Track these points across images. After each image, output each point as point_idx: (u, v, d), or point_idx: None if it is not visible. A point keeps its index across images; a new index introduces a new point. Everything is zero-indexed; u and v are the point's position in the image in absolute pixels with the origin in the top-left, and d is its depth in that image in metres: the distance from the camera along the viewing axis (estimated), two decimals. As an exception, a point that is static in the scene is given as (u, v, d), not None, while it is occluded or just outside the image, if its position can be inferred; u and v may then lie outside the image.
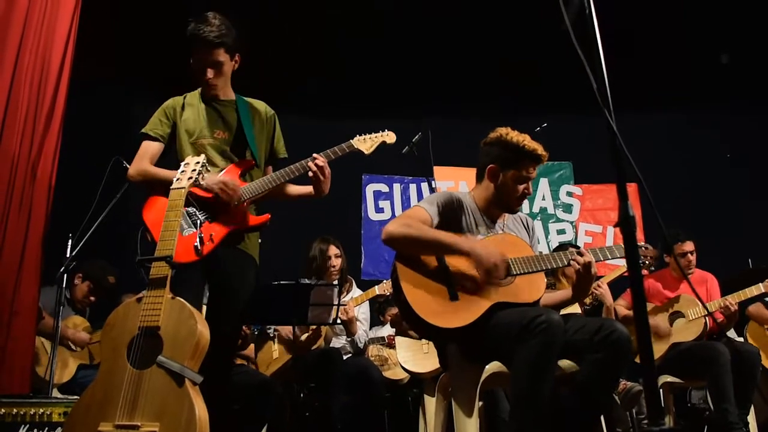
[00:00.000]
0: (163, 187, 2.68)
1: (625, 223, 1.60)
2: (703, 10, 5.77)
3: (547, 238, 6.72)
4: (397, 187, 6.68)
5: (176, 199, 2.41)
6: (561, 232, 6.76)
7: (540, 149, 2.78)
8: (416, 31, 5.91)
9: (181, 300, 2.22)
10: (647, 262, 2.91)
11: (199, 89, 3.01)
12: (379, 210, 6.54)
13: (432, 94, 6.25)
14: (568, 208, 6.86)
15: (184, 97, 3.01)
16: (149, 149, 2.89)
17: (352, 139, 3.08)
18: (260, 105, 3.09)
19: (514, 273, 2.62)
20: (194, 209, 2.71)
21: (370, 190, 6.62)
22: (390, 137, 3.17)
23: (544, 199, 6.85)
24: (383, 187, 6.65)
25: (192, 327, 2.16)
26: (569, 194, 6.91)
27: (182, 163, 2.55)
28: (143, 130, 2.93)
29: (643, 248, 2.94)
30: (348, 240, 6.08)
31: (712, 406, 4.12)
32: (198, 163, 2.52)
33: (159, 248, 2.32)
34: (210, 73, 2.88)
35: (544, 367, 2.37)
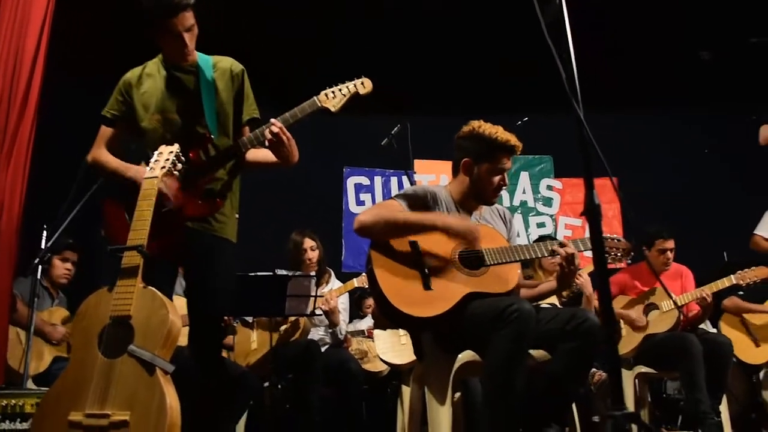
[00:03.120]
0: (114, 176, 2.63)
1: (590, 212, 1.62)
2: (686, 9, 5.82)
3: (527, 231, 6.77)
4: (378, 180, 6.69)
5: (149, 189, 2.39)
6: (541, 225, 6.81)
7: (513, 140, 2.80)
8: (397, 24, 5.91)
9: (153, 289, 2.21)
10: (619, 254, 2.94)
11: (160, 56, 2.80)
12: (360, 203, 6.55)
13: (413, 87, 6.26)
14: (548, 202, 6.91)
15: (143, 68, 2.82)
16: (105, 133, 2.78)
17: (317, 95, 2.69)
18: (226, 62, 2.83)
19: (488, 263, 2.64)
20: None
21: (351, 182, 6.63)
22: (365, 87, 2.73)
23: (524, 192, 6.90)
24: (364, 180, 6.66)
25: (163, 316, 2.15)
26: (549, 188, 6.96)
27: (155, 153, 2.53)
28: (102, 112, 2.80)
29: (615, 240, 2.97)
30: (329, 233, 6.10)
31: (685, 397, 4.19)
32: (171, 152, 2.50)
33: (131, 237, 2.30)
34: (188, 39, 2.66)
35: (516, 356, 2.40)
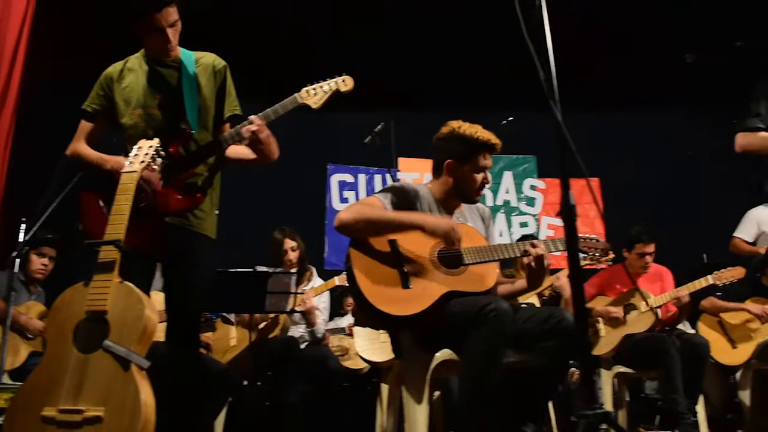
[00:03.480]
0: (94, 169, 2.63)
1: (565, 212, 1.63)
2: (671, 10, 5.87)
3: (509, 230, 6.80)
4: (362, 177, 6.69)
5: (127, 183, 2.38)
6: (524, 225, 6.84)
7: (493, 138, 2.82)
8: (383, 23, 5.91)
9: (129, 284, 2.20)
10: (597, 254, 2.96)
11: (142, 51, 2.79)
12: (343, 200, 6.55)
13: (398, 85, 6.26)
14: (531, 202, 6.95)
15: (125, 62, 2.81)
16: (85, 127, 2.79)
17: (298, 92, 2.71)
18: (208, 58, 2.83)
19: (467, 262, 2.65)
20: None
21: (335, 179, 6.62)
22: (346, 84, 2.75)
23: (507, 192, 6.92)
24: (348, 178, 6.66)
25: (140, 311, 2.14)
26: (533, 188, 6.99)
27: (135, 147, 2.51)
28: (82, 106, 2.79)
29: (594, 240, 2.99)
30: (312, 229, 6.10)
31: (662, 397, 4.24)
32: (151, 147, 2.49)
33: (108, 231, 2.29)
34: (171, 35, 2.66)
35: (493, 355, 2.41)
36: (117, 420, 2.00)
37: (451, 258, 2.66)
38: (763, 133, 3.02)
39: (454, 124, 2.85)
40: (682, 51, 6.51)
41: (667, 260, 5.69)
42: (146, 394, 2.05)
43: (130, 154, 2.48)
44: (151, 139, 2.55)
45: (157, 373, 2.20)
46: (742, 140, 3.07)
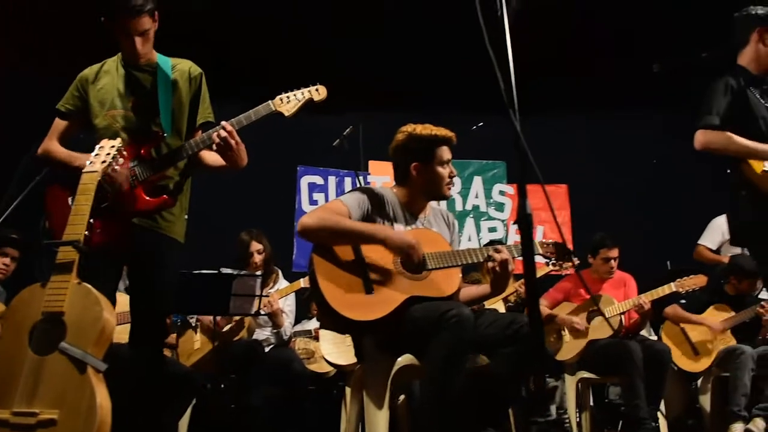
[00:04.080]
0: (63, 167, 2.62)
1: (522, 220, 1.65)
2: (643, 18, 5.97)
3: (478, 235, 6.83)
4: (332, 180, 6.67)
5: (88, 183, 2.35)
6: (492, 230, 6.89)
7: (445, 130, 2.86)
8: (357, 25, 5.91)
9: (88, 286, 2.17)
10: (559, 260, 3.00)
11: (120, 54, 2.82)
12: (313, 202, 6.52)
13: (370, 87, 6.27)
14: (500, 207, 6.99)
15: (102, 65, 2.84)
16: (58, 126, 2.80)
17: (272, 99, 2.74)
18: (185, 65, 2.87)
19: (430, 267, 2.66)
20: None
21: (304, 181, 6.59)
22: (320, 93, 2.80)
23: (477, 196, 6.96)
24: (318, 180, 6.64)
25: (97, 313, 2.12)
26: (502, 193, 7.03)
27: (96, 146, 2.49)
28: (57, 106, 2.81)
29: (556, 246, 3.02)
30: (280, 231, 6.06)
31: (625, 402, 4.30)
32: (113, 147, 2.47)
33: (67, 232, 2.26)
34: (140, 44, 2.69)
35: (455, 360, 2.43)
36: (71, 423, 1.98)
37: (414, 263, 2.67)
38: (727, 134, 3.03)
39: (408, 129, 2.88)
40: (651, 57, 6.62)
41: (634, 266, 5.77)
42: (102, 397, 2.03)
43: (91, 154, 2.46)
44: (123, 141, 2.57)
45: (118, 376, 2.19)
46: (703, 137, 3.07)
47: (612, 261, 4.78)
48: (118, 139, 2.53)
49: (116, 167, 2.48)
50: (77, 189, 2.36)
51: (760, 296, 4.96)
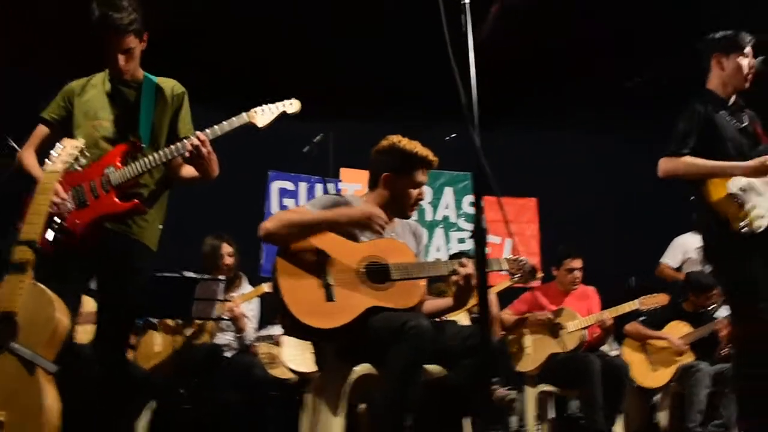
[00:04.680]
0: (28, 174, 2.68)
1: (476, 234, 1.67)
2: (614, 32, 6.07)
3: (447, 246, 6.85)
4: (303, 186, 6.64)
5: (47, 183, 2.34)
6: (461, 241, 6.91)
7: (431, 155, 2.86)
8: (329, 34, 5.93)
9: (42, 286, 2.16)
10: (523, 276, 3.02)
11: (107, 70, 2.90)
12: (283, 207, 6.43)
13: (343, 95, 6.28)
14: (470, 218, 7.02)
15: (90, 79, 2.92)
16: (38, 133, 2.86)
17: (246, 111, 2.83)
18: (168, 83, 2.96)
19: (394, 278, 2.67)
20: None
21: (275, 187, 6.55)
22: (293, 106, 2.90)
23: (447, 207, 6.98)
24: (289, 185, 6.60)
25: (50, 314, 2.10)
26: (472, 204, 7.05)
27: (57, 145, 2.48)
28: (41, 113, 2.87)
29: (521, 262, 3.05)
30: (248, 236, 5.98)
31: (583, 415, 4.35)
32: (75, 147, 2.46)
33: (24, 231, 2.25)
34: (122, 60, 2.77)
35: (412, 371, 2.44)
36: (19, 424, 1.96)
37: (378, 272, 2.68)
38: (687, 158, 3.12)
39: (394, 139, 2.88)
40: (620, 72, 6.73)
41: (599, 281, 5.84)
42: (51, 399, 2.01)
43: (52, 153, 2.44)
44: (102, 149, 2.67)
45: (78, 376, 2.19)
46: (665, 165, 3.18)
47: (576, 272, 4.85)
48: (81, 140, 2.54)
49: (78, 167, 2.48)
50: (36, 188, 2.34)
51: (718, 313, 5.06)
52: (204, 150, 2.68)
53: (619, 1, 5.64)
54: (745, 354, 3.10)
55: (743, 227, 2.96)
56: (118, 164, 2.71)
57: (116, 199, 2.67)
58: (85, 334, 3.25)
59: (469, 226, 6.90)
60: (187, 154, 2.70)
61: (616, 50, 6.22)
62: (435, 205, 6.94)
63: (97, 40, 2.76)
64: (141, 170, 2.72)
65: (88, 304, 3.35)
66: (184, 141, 2.71)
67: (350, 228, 2.68)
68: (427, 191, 6.76)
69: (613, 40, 6.11)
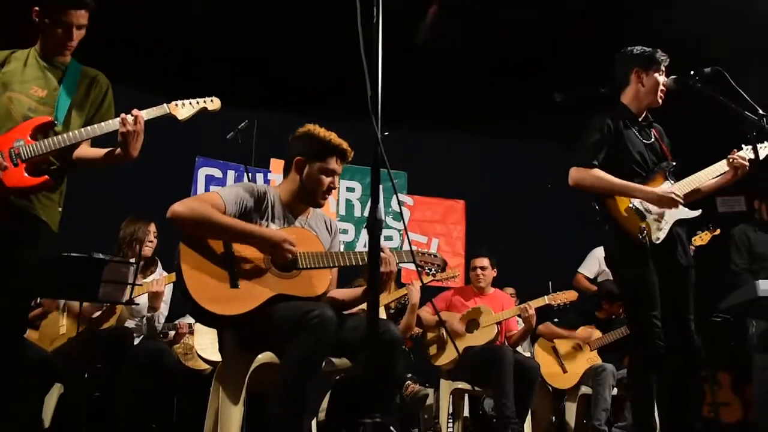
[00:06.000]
0: None
1: (372, 225, 1.68)
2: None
3: (374, 242, 6.87)
4: (231, 173, 6.52)
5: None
6: (388, 238, 6.93)
7: (345, 145, 2.88)
8: (266, 27, 5.88)
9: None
10: (433, 269, 3.06)
11: (36, 47, 2.85)
12: (209, 195, 6.37)
13: (274, 85, 6.22)
14: (397, 216, 7.06)
15: (12, 52, 2.85)
16: None
17: (168, 103, 2.86)
18: (93, 73, 2.95)
19: (300, 267, 2.66)
20: None
21: (202, 173, 6.41)
22: (214, 104, 2.96)
23: (375, 204, 7.00)
24: (217, 172, 6.48)
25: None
26: (401, 203, 7.11)
27: None
28: None
29: (432, 256, 3.09)
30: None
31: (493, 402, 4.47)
32: None
33: None
34: (75, 35, 2.77)
35: (312, 361, 2.44)
36: None
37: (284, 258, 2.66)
38: (596, 171, 3.22)
39: (311, 126, 2.90)
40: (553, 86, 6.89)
41: (517, 284, 5.98)
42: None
43: None
44: (14, 122, 2.64)
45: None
46: (576, 174, 3.27)
47: (478, 270, 4.97)
48: None
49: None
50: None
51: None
52: (138, 126, 2.70)
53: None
54: (636, 360, 3.23)
55: (643, 238, 3.07)
56: (29, 139, 2.66)
57: (25, 174, 2.63)
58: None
59: (397, 224, 6.99)
60: (122, 129, 2.68)
61: (550, 61, 6.35)
62: (364, 202, 6.95)
63: (43, 15, 2.74)
64: (53, 147, 2.67)
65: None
66: (116, 118, 2.72)
67: (260, 248, 2.65)
68: (356, 188, 6.79)
69: (550, 50, 6.25)
